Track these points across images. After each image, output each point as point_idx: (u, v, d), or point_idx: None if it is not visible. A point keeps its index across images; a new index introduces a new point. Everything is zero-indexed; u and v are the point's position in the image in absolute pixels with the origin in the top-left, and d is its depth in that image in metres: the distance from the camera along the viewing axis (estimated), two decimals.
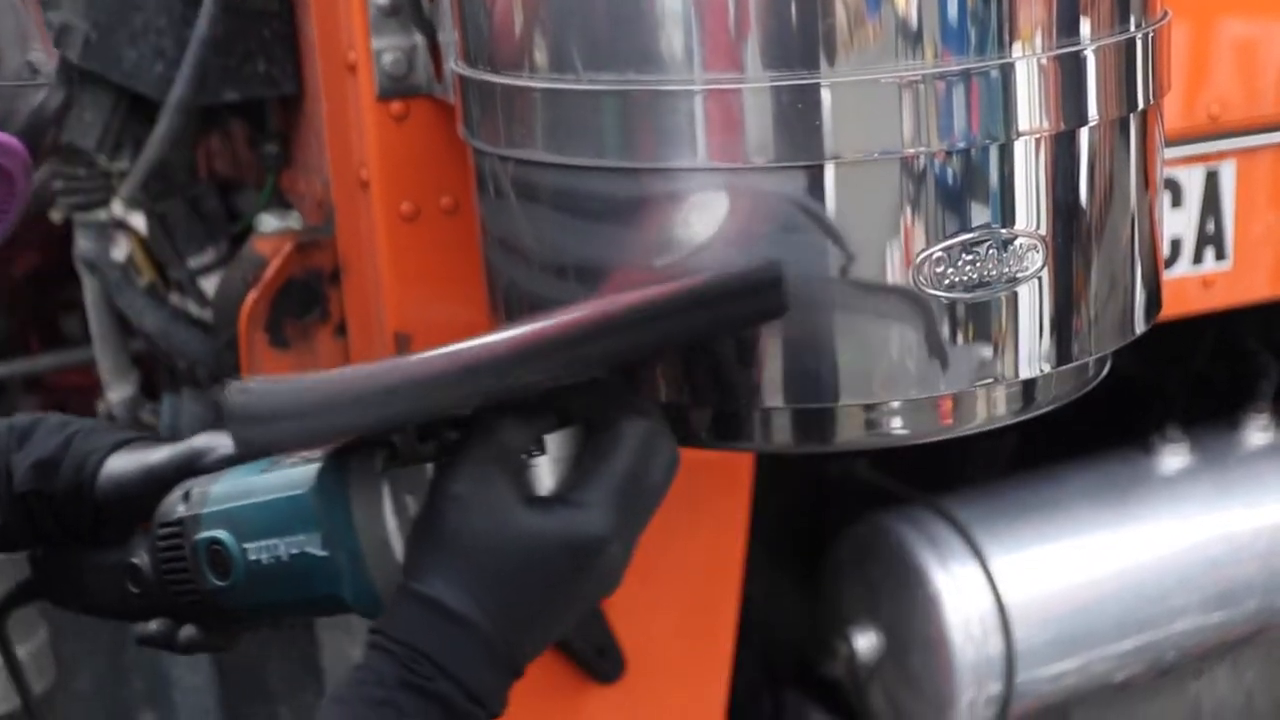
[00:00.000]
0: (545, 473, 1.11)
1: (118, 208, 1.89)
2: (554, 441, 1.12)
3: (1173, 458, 2.29)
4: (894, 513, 2.22)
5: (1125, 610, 2.20)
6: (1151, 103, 1.37)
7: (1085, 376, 1.42)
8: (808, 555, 2.37)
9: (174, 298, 1.98)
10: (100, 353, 1.97)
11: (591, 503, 1.07)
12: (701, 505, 1.92)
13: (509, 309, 1.45)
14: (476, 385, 1.05)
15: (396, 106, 1.72)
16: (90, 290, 1.95)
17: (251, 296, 1.82)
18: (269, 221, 1.95)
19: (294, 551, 1.17)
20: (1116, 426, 2.33)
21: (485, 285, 1.51)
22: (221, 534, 1.21)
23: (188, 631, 1.27)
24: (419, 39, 1.69)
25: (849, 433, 1.35)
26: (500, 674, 1.05)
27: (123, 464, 1.30)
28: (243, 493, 1.21)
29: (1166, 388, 2.46)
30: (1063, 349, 1.34)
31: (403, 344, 1.77)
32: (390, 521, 1.12)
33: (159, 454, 1.29)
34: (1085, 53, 1.29)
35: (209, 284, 1.95)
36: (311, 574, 1.16)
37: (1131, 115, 1.35)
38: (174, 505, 1.25)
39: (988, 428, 1.38)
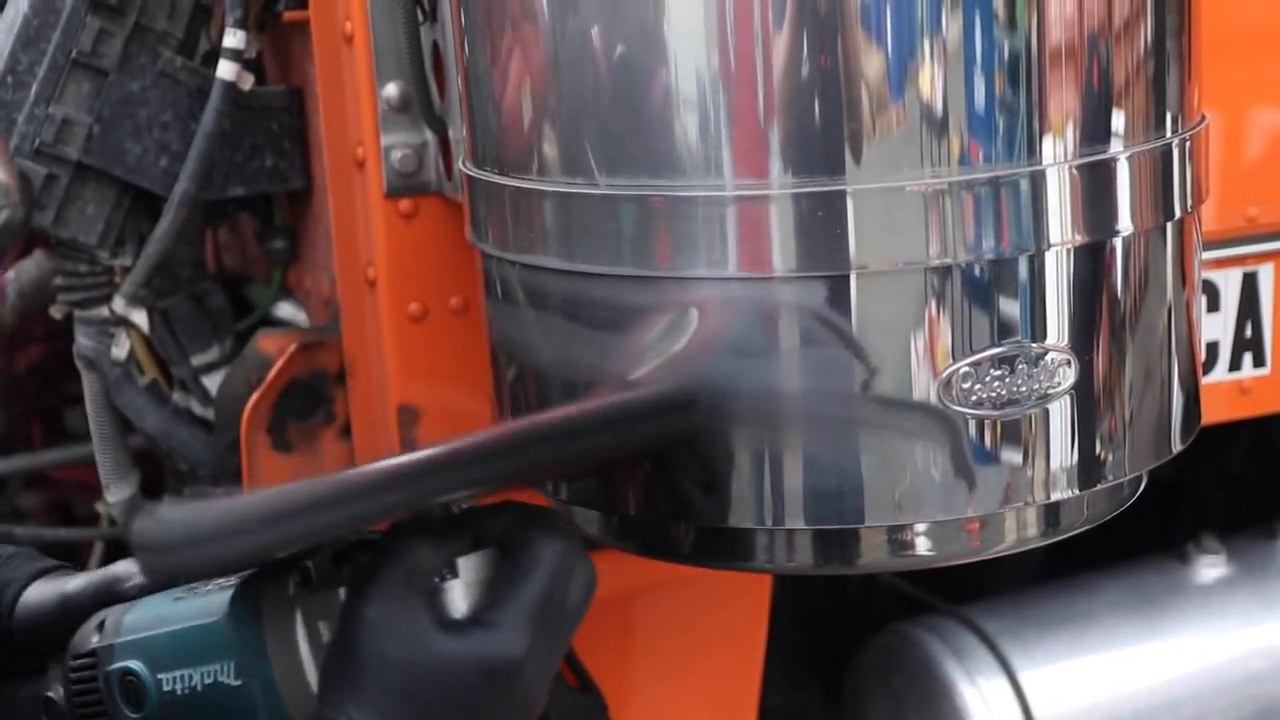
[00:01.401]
0: (458, 596, 1.09)
1: (119, 305, 1.84)
2: (467, 565, 1.10)
3: (1209, 568, 2.23)
4: (919, 623, 2.16)
5: None
6: (1189, 210, 1.31)
7: (1119, 496, 1.36)
8: (829, 665, 2.31)
9: (176, 396, 1.93)
10: (100, 453, 1.92)
11: (506, 624, 1.05)
12: (719, 615, 1.87)
13: (515, 413, 1.40)
14: (380, 503, 1.04)
15: (405, 204, 1.67)
16: (90, 389, 1.90)
17: (254, 398, 1.77)
18: (288, 310, 1.91)
19: (208, 681, 1.15)
20: (1150, 533, 2.27)
21: (492, 388, 1.46)
22: (135, 664, 1.19)
23: None
24: (429, 136, 1.65)
25: (872, 555, 1.30)
26: None
27: (40, 594, 1.27)
28: (156, 621, 1.20)
29: (1201, 493, 2.39)
30: (1095, 469, 1.28)
31: (408, 446, 1.72)
32: (303, 647, 1.11)
33: (75, 582, 1.26)
34: (1119, 161, 1.23)
35: (212, 382, 1.90)
36: (225, 704, 1.14)
37: (1168, 224, 1.29)
38: (88, 635, 1.23)
39: (1017, 550, 1.33)
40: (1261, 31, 1.90)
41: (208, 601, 1.17)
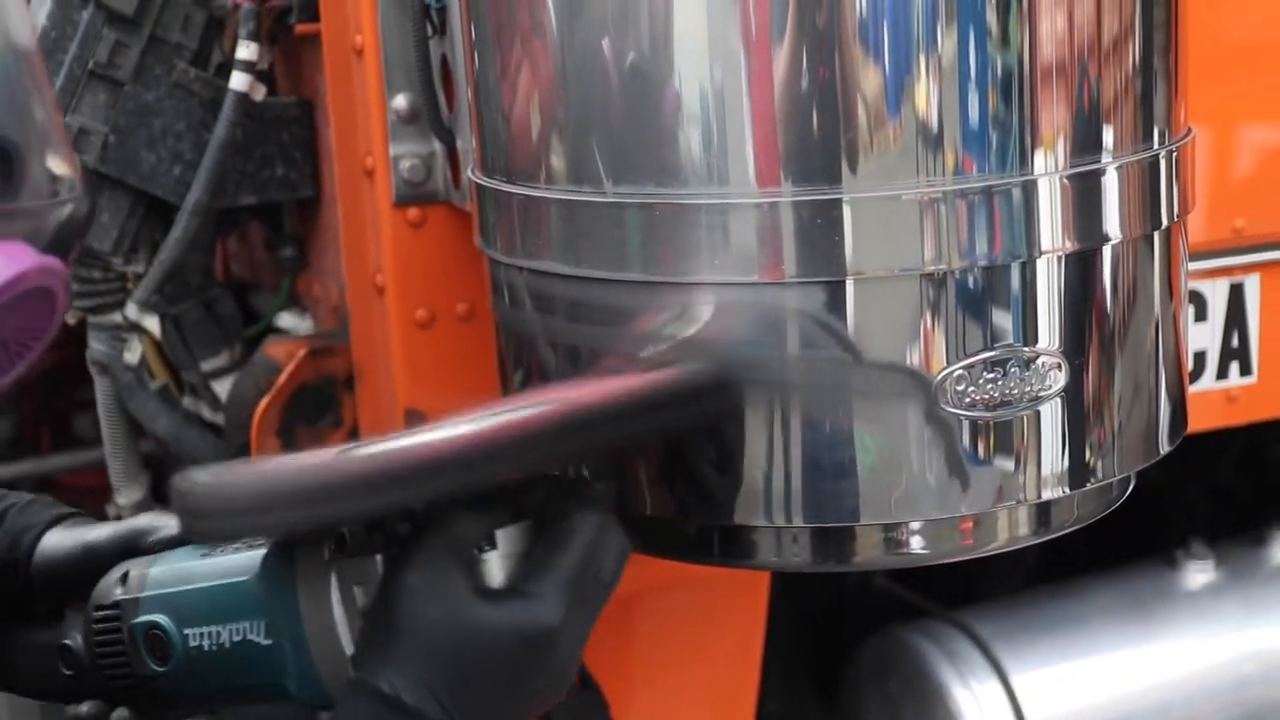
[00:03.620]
0: (496, 567, 1.11)
1: (132, 310, 1.88)
2: (505, 537, 1.12)
3: (1198, 573, 2.26)
4: (913, 627, 2.19)
5: None
6: (1175, 220, 1.35)
7: (1109, 496, 1.40)
8: (825, 668, 2.34)
9: (187, 401, 1.96)
10: (111, 455, 1.96)
11: (543, 594, 1.07)
12: (717, 618, 1.90)
13: None
14: (431, 484, 1.05)
15: (413, 213, 1.71)
16: (102, 392, 1.94)
17: (264, 402, 1.81)
18: (290, 320, 1.94)
19: (236, 639, 1.16)
20: (1140, 539, 2.30)
21: (501, 392, 1.49)
22: (161, 619, 1.19)
23: (120, 714, 1.26)
24: (437, 146, 1.69)
25: (868, 552, 1.33)
26: None
27: (59, 541, 1.27)
28: (183, 577, 1.20)
29: (1190, 500, 2.43)
30: (1086, 469, 1.31)
31: None
32: (337, 611, 1.11)
33: (99, 532, 1.27)
34: (1107, 170, 1.27)
35: (222, 387, 1.93)
36: (254, 662, 1.15)
37: (1155, 233, 1.33)
38: (111, 588, 1.23)
39: (1009, 548, 1.36)
40: (1248, 49, 1.94)
41: (236, 560, 1.17)
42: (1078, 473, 1.31)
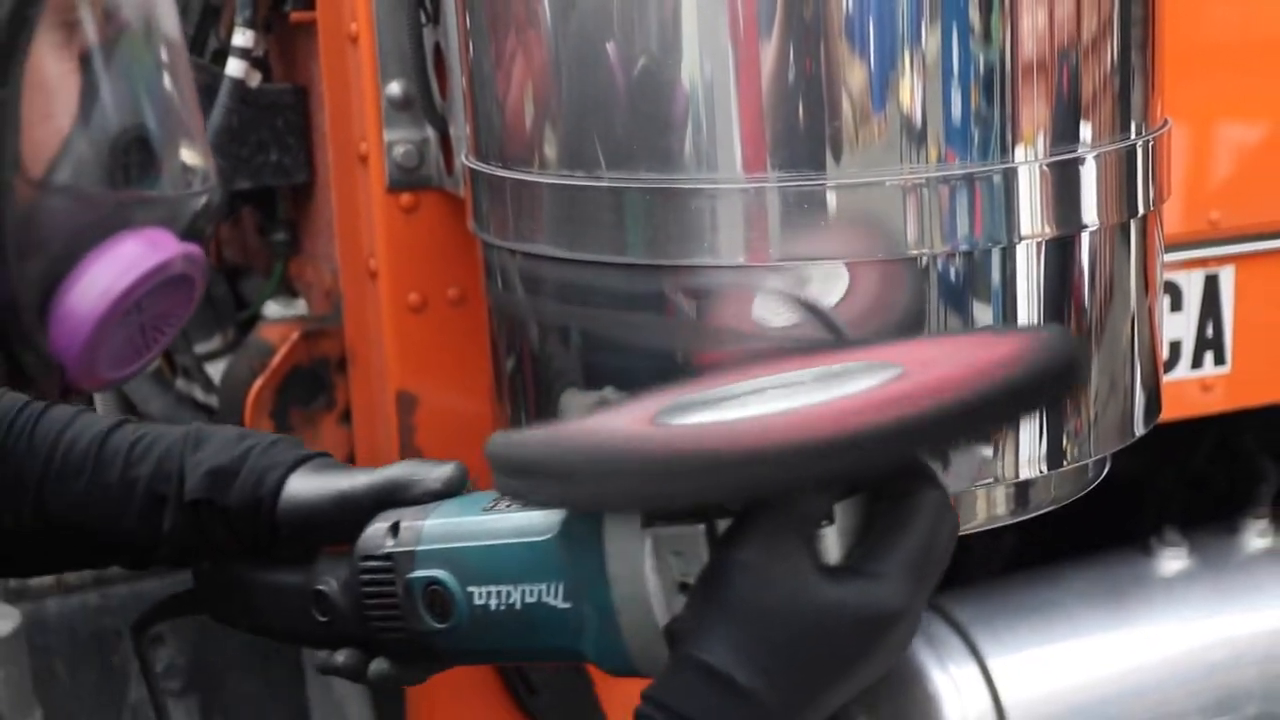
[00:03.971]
0: (833, 543, 1.02)
1: None
2: (842, 510, 1.02)
3: (1171, 561, 2.29)
4: None
5: (1124, 713, 2.20)
6: (1152, 209, 1.39)
7: (1085, 478, 1.43)
8: None
9: (180, 383, 1.99)
10: None
11: (888, 575, 0.99)
12: None
13: (514, 400, 1.47)
14: (806, 470, 0.95)
15: (406, 198, 1.74)
16: None
17: (257, 384, 1.83)
18: (275, 309, 1.96)
19: (529, 600, 1.09)
20: (1115, 527, 2.34)
21: (492, 375, 1.52)
22: (442, 574, 1.12)
23: (380, 665, 1.18)
24: (430, 132, 1.72)
25: None
26: None
27: (310, 486, 1.22)
28: (465, 533, 1.13)
29: (1165, 489, 2.46)
30: (1062, 450, 1.35)
31: (406, 432, 1.78)
32: (651, 580, 1.03)
33: (355, 480, 1.21)
34: (1086, 159, 1.31)
35: (215, 370, 1.96)
36: (548, 624, 1.08)
37: (1132, 221, 1.37)
38: (380, 539, 1.16)
39: (987, 527, 1.39)
40: (1225, 46, 1.98)
41: (528, 519, 1.09)
42: (1054, 453, 1.35)
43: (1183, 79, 1.57)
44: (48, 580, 2.13)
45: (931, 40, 1.25)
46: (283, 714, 2.12)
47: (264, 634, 1.24)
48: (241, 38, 1.80)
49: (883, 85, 1.26)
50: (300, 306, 1.97)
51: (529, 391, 1.44)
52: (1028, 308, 1.31)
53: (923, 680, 2.14)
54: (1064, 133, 1.31)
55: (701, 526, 1.02)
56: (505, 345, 1.47)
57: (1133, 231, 1.38)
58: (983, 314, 1.29)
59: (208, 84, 1.83)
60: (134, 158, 1.27)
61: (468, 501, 1.16)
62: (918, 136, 1.26)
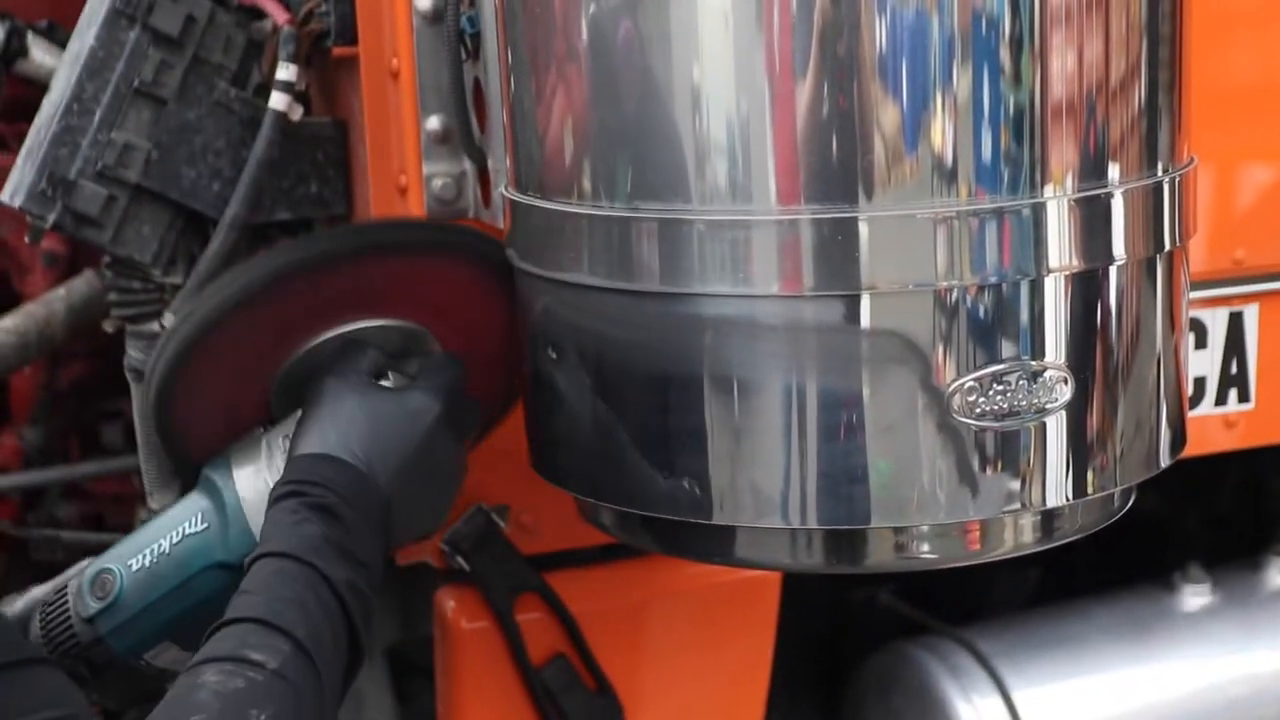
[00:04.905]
0: (392, 382, 1.48)
1: (169, 320, 1.93)
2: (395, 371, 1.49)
3: (1195, 597, 2.30)
4: (917, 642, 2.23)
5: None
6: (1178, 245, 1.42)
7: (1110, 507, 1.45)
8: (829, 684, 2.38)
9: None
10: (145, 460, 2.00)
11: (427, 390, 1.47)
12: (727, 633, 1.94)
13: (547, 430, 1.50)
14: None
15: None
16: (138, 399, 1.99)
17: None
18: None
19: (175, 540, 1.38)
20: (1139, 564, 2.35)
21: (524, 396, 1.55)
22: (108, 564, 1.39)
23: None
24: (468, 166, 1.75)
25: (879, 556, 1.39)
26: (371, 499, 1.37)
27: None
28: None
29: (1189, 526, 2.47)
30: (1089, 479, 1.37)
31: None
32: (263, 453, 1.45)
33: None
34: (1114, 195, 1.34)
35: None
36: (190, 551, 1.37)
37: (1158, 256, 1.40)
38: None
39: (1014, 555, 1.42)
40: (1250, 90, 2.01)
41: (179, 505, 1.42)
42: (1081, 482, 1.37)
43: (1209, 121, 1.59)
44: None
45: (963, 80, 1.28)
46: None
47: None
48: (285, 72, 1.83)
49: (915, 123, 1.28)
50: None
51: (561, 409, 1.46)
52: (1055, 338, 1.33)
53: (947, 712, 2.15)
54: (1092, 170, 1.34)
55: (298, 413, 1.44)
56: (537, 368, 1.50)
57: (1159, 267, 1.40)
58: (1011, 345, 1.31)
59: (251, 117, 1.87)
60: None
61: None
62: (949, 174, 1.29)
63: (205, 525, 1.37)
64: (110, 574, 1.38)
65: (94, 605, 1.36)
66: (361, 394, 1.44)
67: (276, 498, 1.35)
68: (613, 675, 1.84)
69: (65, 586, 1.42)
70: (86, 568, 1.41)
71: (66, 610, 1.39)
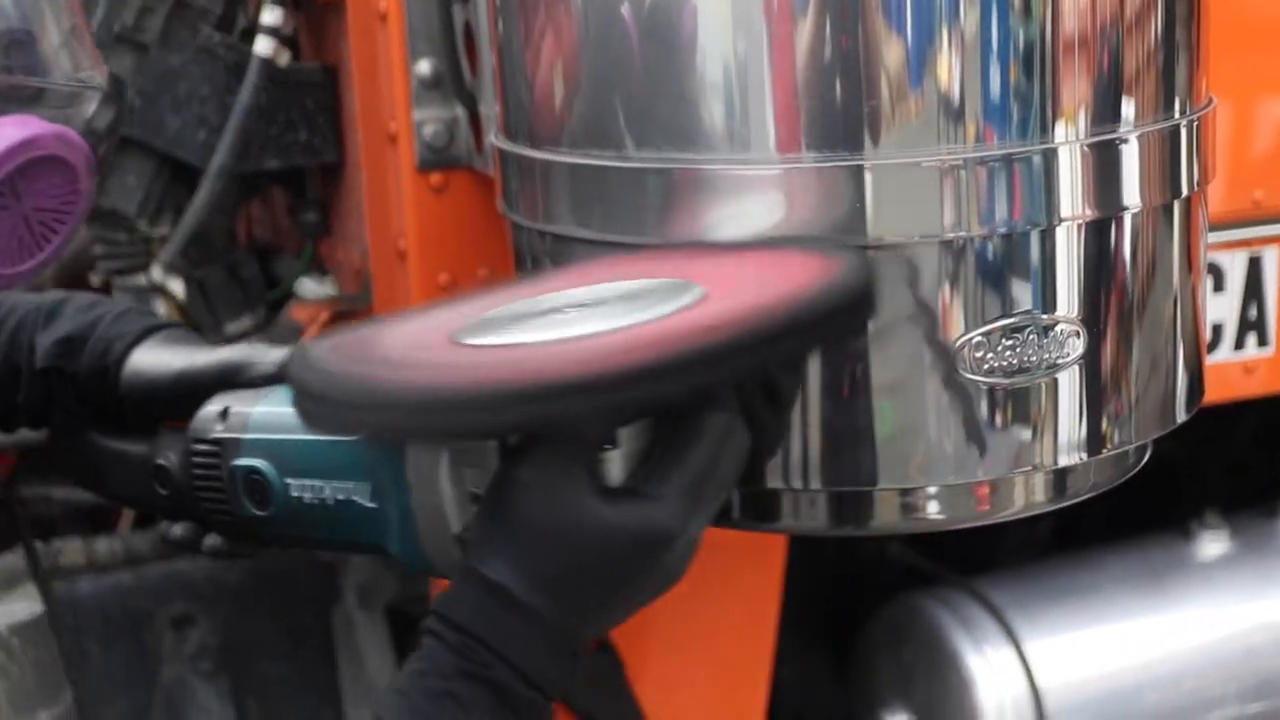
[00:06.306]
0: (616, 466, 1.06)
1: (156, 273, 1.90)
2: (626, 433, 1.06)
3: (1212, 544, 2.27)
4: (927, 594, 2.20)
5: (1162, 699, 2.17)
6: (1195, 190, 1.36)
7: (1125, 464, 1.41)
8: (839, 636, 2.35)
9: None
10: None
11: (666, 496, 1.03)
12: (733, 585, 1.91)
13: None
14: (583, 402, 0.97)
15: (436, 178, 1.72)
16: None
17: None
18: (308, 287, 1.95)
19: (340, 497, 1.14)
20: (1154, 511, 2.31)
21: None
22: (262, 464, 1.18)
23: (212, 540, 1.25)
24: (460, 111, 1.70)
25: (885, 517, 1.34)
26: (560, 661, 1.03)
27: (153, 361, 1.26)
28: (287, 425, 1.16)
29: (1206, 472, 2.43)
30: (1102, 436, 1.33)
31: None
32: (446, 489, 1.08)
33: (195, 359, 1.25)
34: (1128, 139, 1.28)
35: None
36: (357, 521, 1.14)
37: (1175, 202, 1.34)
38: (211, 423, 1.21)
39: (1025, 514, 1.37)
40: (1271, 22, 1.95)
41: None
42: (1095, 440, 1.32)
43: (1227, 55, 1.54)
44: (80, 560, 2.13)
45: (970, 15, 1.23)
46: (314, 696, 2.12)
47: (112, 499, 1.31)
48: (270, 15, 1.79)
49: (920, 62, 1.23)
50: (330, 286, 1.96)
51: None
52: (1067, 291, 1.28)
53: (958, 664, 2.13)
54: (1105, 112, 1.28)
55: (494, 442, 1.06)
56: None
57: (1176, 213, 1.35)
58: (1021, 298, 1.26)
59: (236, 62, 1.82)
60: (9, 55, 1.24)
61: None
62: (955, 114, 1.24)
63: (374, 505, 1.12)
64: (265, 482, 1.17)
65: (252, 509, 1.18)
66: (573, 509, 1.03)
67: (430, 630, 1.03)
68: (614, 632, 1.81)
69: (219, 443, 1.20)
70: (232, 406, 1.20)
71: (219, 478, 1.20)
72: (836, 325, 1.10)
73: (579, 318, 1.06)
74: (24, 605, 1.94)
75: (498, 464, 1.05)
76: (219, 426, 1.21)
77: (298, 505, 1.16)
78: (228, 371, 1.24)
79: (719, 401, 1.06)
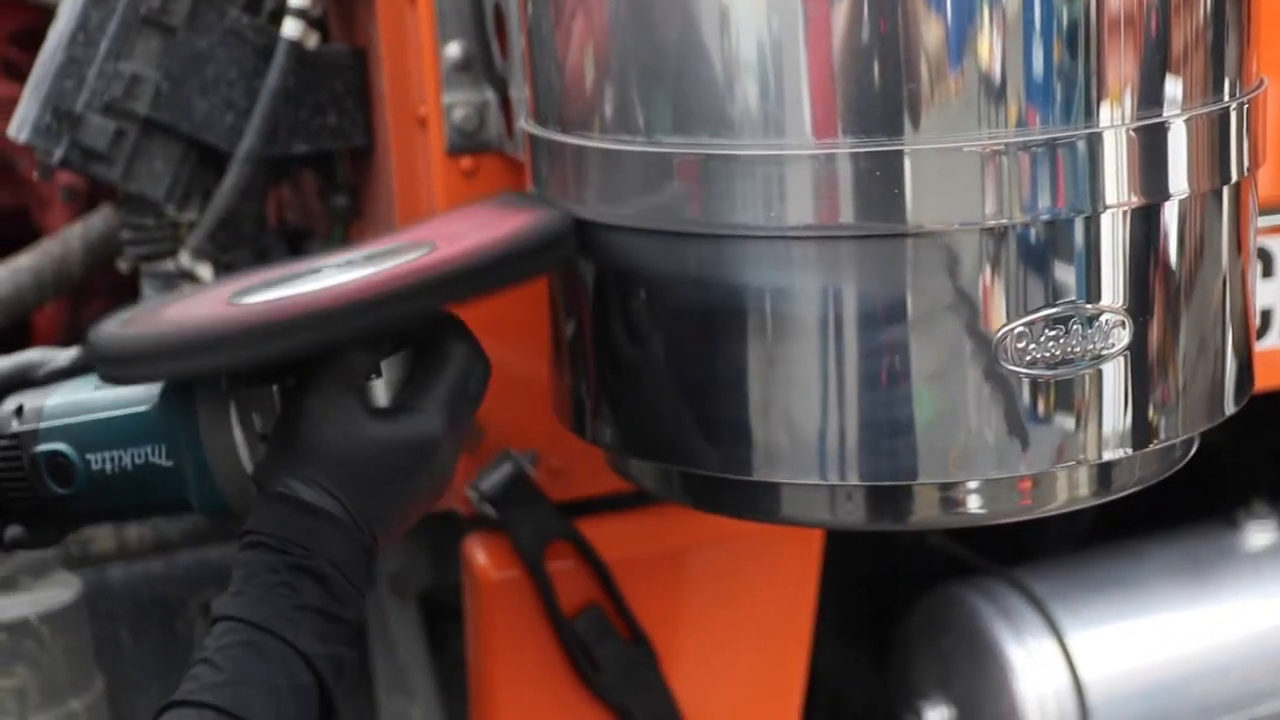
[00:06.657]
0: (381, 393, 1.27)
1: (185, 258, 1.87)
2: (388, 365, 1.27)
3: (1259, 534, 2.23)
4: (968, 584, 2.17)
5: (1207, 691, 2.14)
6: (1245, 175, 1.32)
7: (1172, 457, 1.37)
8: (878, 625, 2.32)
9: None
10: None
11: (427, 409, 1.24)
12: (770, 577, 1.89)
13: (573, 363, 1.43)
14: (319, 333, 1.20)
15: (466, 162, 1.70)
16: None
17: None
18: None
19: (138, 461, 1.27)
20: (1200, 500, 2.27)
21: (551, 339, 1.48)
22: (62, 446, 1.29)
23: (14, 531, 1.35)
24: (490, 95, 1.67)
25: (924, 511, 1.32)
26: (358, 558, 1.21)
27: None
28: (81, 408, 1.29)
29: (1253, 461, 2.39)
30: (1149, 429, 1.29)
31: None
32: (237, 434, 1.24)
33: None
34: (1176, 123, 1.24)
35: None
36: (156, 481, 1.27)
37: (1224, 188, 1.30)
38: (6, 420, 1.32)
39: (1068, 509, 1.34)
40: None
41: (133, 391, 1.27)
42: (1140, 433, 1.28)
43: (1276, 29, 1.49)
44: (110, 546, 2.12)
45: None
46: (345, 682, 2.10)
47: None
48: None
49: (961, 42, 1.20)
50: None
51: (588, 356, 1.39)
52: (1112, 280, 1.25)
53: (998, 655, 2.10)
54: (1152, 94, 1.24)
55: (274, 386, 1.24)
56: (565, 310, 1.43)
57: (1225, 198, 1.31)
58: (1064, 287, 1.23)
59: (264, 45, 1.80)
60: None
61: (85, 380, 1.32)
62: (997, 97, 1.20)
63: (171, 463, 1.26)
64: (66, 462, 1.29)
65: (56, 489, 1.30)
66: (350, 427, 1.22)
67: (250, 544, 1.19)
68: (648, 624, 1.79)
69: (16, 436, 1.31)
70: (25, 403, 1.32)
71: (20, 467, 1.31)
72: (537, 259, 1.31)
73: (332, 274, 1.26)
74: (54, 593, 1.93)
75: (278, 405, 1.24)
76: (15, 423, 1.31)
77: (100, 477, 1.28)
78: (19, 373, 1.36)
79: (459, 331, 1.29)
